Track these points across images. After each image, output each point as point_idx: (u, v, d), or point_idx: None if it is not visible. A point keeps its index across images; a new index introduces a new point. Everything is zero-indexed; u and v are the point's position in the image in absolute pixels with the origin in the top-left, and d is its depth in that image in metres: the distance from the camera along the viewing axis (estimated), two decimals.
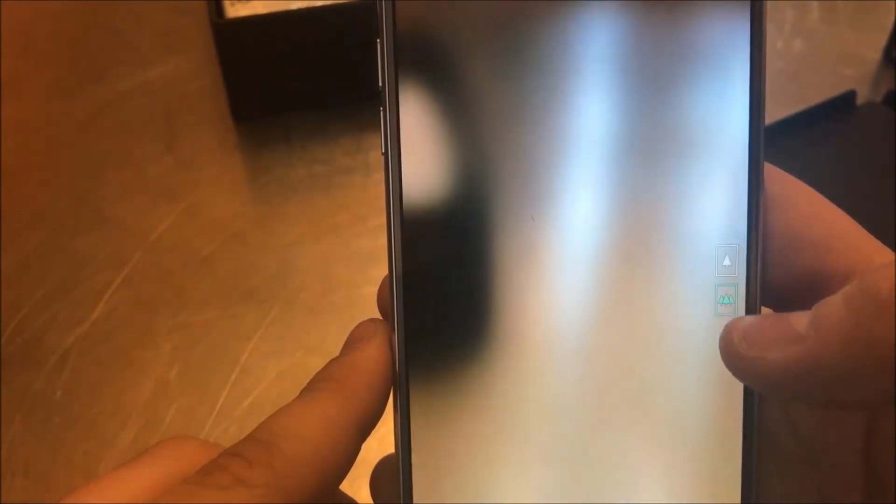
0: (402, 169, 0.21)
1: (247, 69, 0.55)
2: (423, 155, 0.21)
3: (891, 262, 0.17)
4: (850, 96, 0.55)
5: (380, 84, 0.21)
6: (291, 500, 0.18)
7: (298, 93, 0.57)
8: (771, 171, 0.22)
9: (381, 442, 0.23)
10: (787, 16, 0.64)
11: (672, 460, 0.22)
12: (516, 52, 0.21)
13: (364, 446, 0.20)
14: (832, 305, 0.17)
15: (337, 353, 0.22)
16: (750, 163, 0.21)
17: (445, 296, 0.22)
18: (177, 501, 0.18)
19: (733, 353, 0.19)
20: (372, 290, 0.22)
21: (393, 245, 0.21)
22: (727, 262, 0.22)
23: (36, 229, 0.52)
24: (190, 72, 0.61)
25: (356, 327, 0.22)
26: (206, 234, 0.52)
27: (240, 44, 0.53)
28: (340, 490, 0.22)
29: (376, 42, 0.21)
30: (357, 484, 0.24)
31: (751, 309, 0.22)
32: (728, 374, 0.19)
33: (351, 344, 0.22)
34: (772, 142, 0.23)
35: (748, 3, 0.21)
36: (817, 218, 0.21)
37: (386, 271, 0.22)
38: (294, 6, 0.53)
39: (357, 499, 0.23)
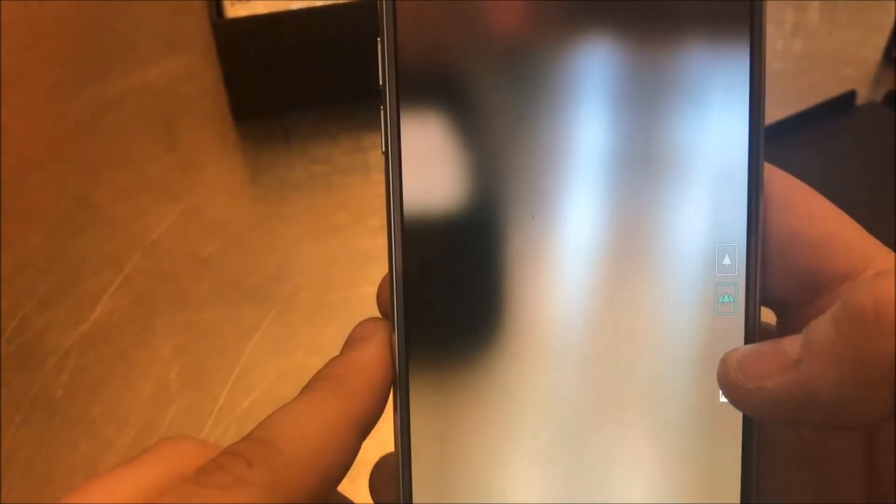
0: (402, 168, 0.21)
1: (247, 69, 0.55)
2: (423, 154, 0.21)
3: (874, 277, 0.17)
4: (850, 96, 0.55)
5: (380, 83, 0.21)
6: (291, 500, 0.18)
7: (298, 92, 0.57)
8: (771, 171, 0.22)
9: (380, 442, 0.23)
10: (787, 16, 0.64)
11: (672, 460, 0.22)
12: (516, 51, 0.21)
13: (364, 446, 0.20)
14: (821, 327, 0.17)
15: (337, 352, 0.22)
16: (750, 163, 0.21)
17: (445, 295, 0.22)
18: (176, 501, 0.18)
19: (731, 385, 0.19)
20: (372, 290, 0.22)
21: (393, 245, 0.21)
22: (727, 261, 0.22)
23: (36, 229, 0.52)
24: (190, 72, 0.61)
25: (356, 326, 0.22)
26: (206, 234, 0.52)
27: (240, 44, 0.53)
28: (338, 491, 0.22)
29: (376, 42, 0.21)
30: (357, 484, 0.24)
31: (750, 308, 0.22)
32: None
33: (351, 343, 0.22)
34: (772, 142, 0.23)
35: (748, 4, 0.21)
36: (817, 218, 0.21)
37: (386, 271, 0.22)
38: (294, 6, 0.53)
39: (357, 499, 0.23)
